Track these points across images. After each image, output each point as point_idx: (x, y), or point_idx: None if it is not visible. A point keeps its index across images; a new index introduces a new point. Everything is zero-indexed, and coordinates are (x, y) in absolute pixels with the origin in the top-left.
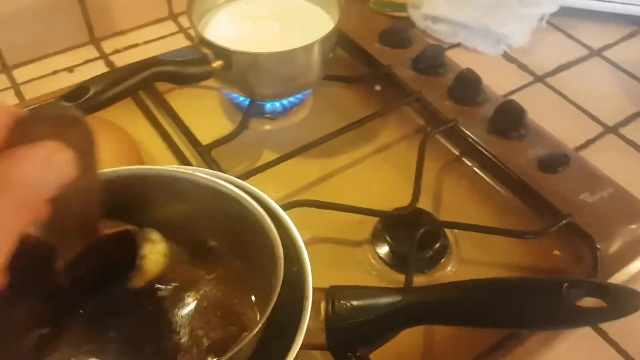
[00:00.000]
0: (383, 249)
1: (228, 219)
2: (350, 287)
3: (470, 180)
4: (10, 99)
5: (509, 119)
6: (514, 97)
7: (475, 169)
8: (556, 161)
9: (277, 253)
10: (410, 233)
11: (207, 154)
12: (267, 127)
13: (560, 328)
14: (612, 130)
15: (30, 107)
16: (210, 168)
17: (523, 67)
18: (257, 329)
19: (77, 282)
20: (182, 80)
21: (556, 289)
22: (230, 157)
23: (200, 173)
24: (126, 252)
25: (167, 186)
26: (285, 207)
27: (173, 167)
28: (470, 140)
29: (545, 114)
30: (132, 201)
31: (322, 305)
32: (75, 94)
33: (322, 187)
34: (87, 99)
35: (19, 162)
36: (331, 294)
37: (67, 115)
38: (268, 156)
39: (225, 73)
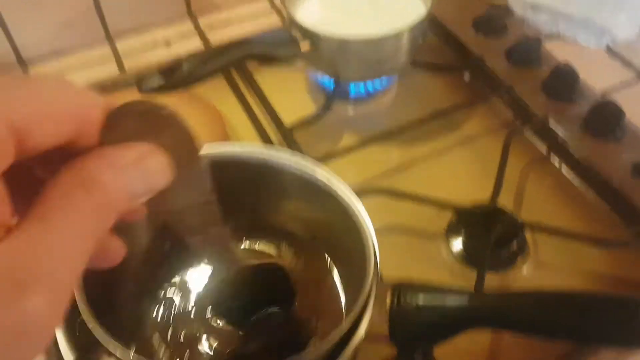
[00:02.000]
0: (457, 245)
1: (315, 207)
2: (417, 286)
3: (556, 180)
4: (112, 69)
5: (605, 120)
6: (613, 95)
7: (562, 169)
8: None
9: (368, 249)
10: (487, 230)
11: (289, 136)
12: (350, 111)
13: (636, 348)
14: None
15: (122, 102)
16: (292, 148)
17: (627, 64)
18: (344, 325)
19: None
20: (271, 60)
21: (635, 308)
22: (312, 139)
23: (289, 160)
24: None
25: (254, 171)
26: (361, 194)
27: (262, 149)
28: (560, 138)
29: None
30: (229, 176)
31: (388, 298)
32: (170, 69)
33: (400, 176)
34: (180, 76)
35: (108, 164)
36: (397, 289)
37: (162, 114)
38: (348, 140)
39: (313, 54)
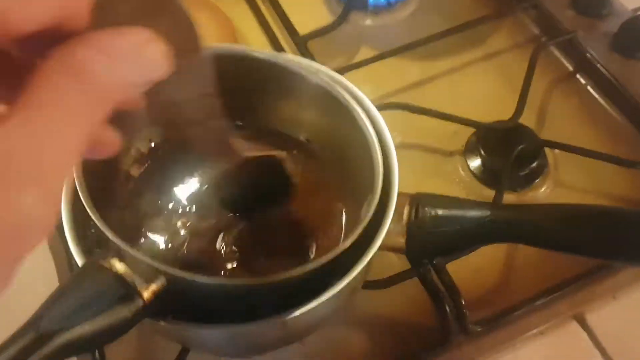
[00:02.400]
0: (475, 162)
1: (325, 116)
2: (437, 196)
3: (582, 99)
4: None
5: (635, 38)
6: None
7: (589, 87)
8: None
9: (375, 160)
10: (507, 148)
11: (303, 45)
12: (368, 21)
13: None
14: None
15: None
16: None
17: None
18: (352, 239)
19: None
20: None
21: None
22: (327, 50)
23: (299, 65)
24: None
25: (264, 72)
26: (379, 108)
27: (273, 53)
28: (588, 55)
29: None
30: (228, 82)
31: (406, 210)
32: None
33: (419, 91)
34: None
35: (100, 51)
36: (416, 200)
37: None
38: (366, 53)
39: None
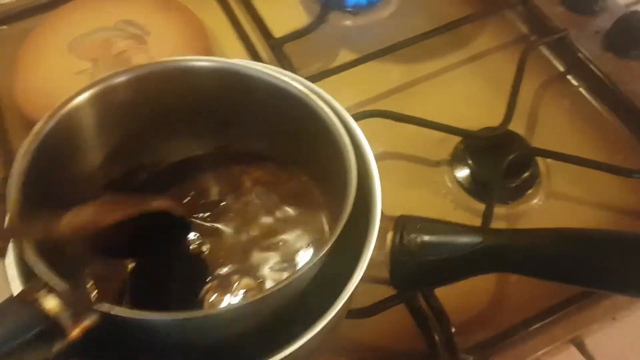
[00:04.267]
0: (463, 173)
1: (294, 125)
2: (424, 220)
3: (574, 102)
4: None
5: (629, 35)
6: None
7: (581, 89)
8: None
9: (349, 165)
10: (497, 158)
11: (278, 49)
12: (348, 22)
13: None
14: None
15: None
16: (281, 64)
17: None
18: (325, 250)
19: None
20: None
21: None
22: (305, 54)
23: (269, 70)
24: None
25: (229, 81)
26: (358, 117)
27: (239, 61)
28: (580, 55)
29: None
30: (189, 95)
31: (390, 235)
32: None
33: (402, 96)
34: None
35: None
36: (401, 223)
37: None
38: (345, 56)
39: None
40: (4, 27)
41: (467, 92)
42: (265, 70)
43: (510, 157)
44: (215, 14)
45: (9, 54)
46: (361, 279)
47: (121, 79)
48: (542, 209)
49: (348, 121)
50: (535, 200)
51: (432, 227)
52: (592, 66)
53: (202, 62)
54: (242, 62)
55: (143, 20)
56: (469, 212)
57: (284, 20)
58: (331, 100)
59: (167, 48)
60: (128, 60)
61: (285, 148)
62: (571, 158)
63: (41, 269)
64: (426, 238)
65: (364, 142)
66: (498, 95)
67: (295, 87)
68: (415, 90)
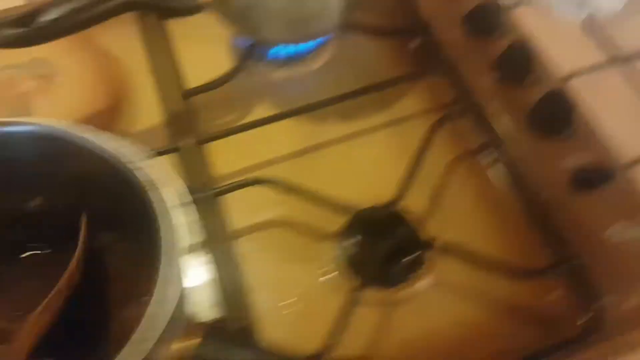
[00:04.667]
0: (347, 250)
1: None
2: (220, 334)
3: (481, 183)
4: None
5: (552, 113)
6: (577, 81)
7: (492, 171)
8: (596, 176)
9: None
10: (381, 239)
11: (186, 100)
12: (271, 75)
13: None
14: None
15: None
16: (188, 117)
17: (603, 44)
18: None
19: None
20: (160, 13)
21: None
22: (219, 106)
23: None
24: None
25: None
26: (243, 184)
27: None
28: (498, 131)
29: (609, 111)
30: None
31: (180, 346)
32: (27, 18)
33: (307, 158)
34: (41, 26)
35: None
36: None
37: None
38: (259, 111)
39: (223, 5)
40: None
41: (377, 158)
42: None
43: (393, 240)
44: (137, 58)
45: None
46: None
47: None
48: (422, 298)
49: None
50: (417, 287)
51: (225, 347)
52: (508, 145)
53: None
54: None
55: (56, 60)
56: (347, 291)
57: (207, 69)
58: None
59: (73, 92)
60: (27, 103)
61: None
62: (460, 252)
63: None
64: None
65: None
66: (403, 167)
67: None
68: (325, 152)
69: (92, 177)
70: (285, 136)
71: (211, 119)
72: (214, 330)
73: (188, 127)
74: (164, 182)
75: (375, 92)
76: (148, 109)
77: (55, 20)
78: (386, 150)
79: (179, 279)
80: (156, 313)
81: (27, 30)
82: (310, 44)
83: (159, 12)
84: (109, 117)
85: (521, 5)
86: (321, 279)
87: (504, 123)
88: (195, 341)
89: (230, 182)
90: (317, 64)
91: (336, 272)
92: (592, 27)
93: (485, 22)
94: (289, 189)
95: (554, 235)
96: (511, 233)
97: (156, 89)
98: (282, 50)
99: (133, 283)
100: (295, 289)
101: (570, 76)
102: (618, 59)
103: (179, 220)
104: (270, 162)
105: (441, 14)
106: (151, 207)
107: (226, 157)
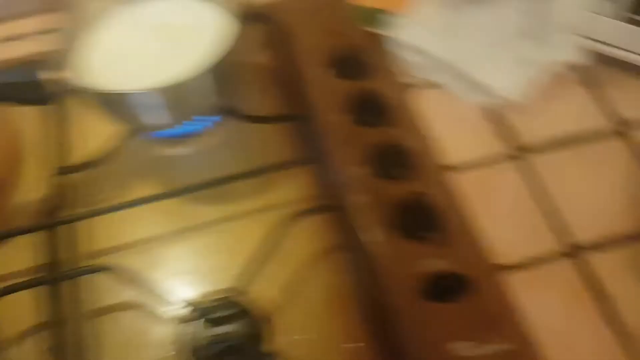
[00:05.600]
0: (184, 335)
1: None
2: None
3: (333, 282)
4: None
5: (417, 217)
6: (466, 173)
7: (339, 273)
8: (450, 286)
9: None
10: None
11: (64, 177)
12: (156, 153)
13: None
14: (573, 254)
15: None
16: (63, 194)
17: (501, 133)
18: None
19: None
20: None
21: None
22: (104, 181)
23: None
24: None
25: None
26: (90, 270)
27: None
28: (355, 230)
29: (492, 210)
30: None
31: None
32: None
33: (170, 242)
34: None
35: None
36: None
37: None
38: (144, 188)
39: (85, 99)
40: None
41: (238, 246)
42: None
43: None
44: (35, 130)
45: None
46: None
47: None
48: None
49: None
50: None
51: None
52: (364, 246)
53: None
54: None
55: None
56: None
57: (90, 148)
58: None
59: None
60: None
61: None
62: None
63: None
64: None
65: None
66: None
67: None
68: (189, 236)
69: None
70: (157, 217)
71: (90, 195)
72: None
73: (60, 204)
74: None
75: (250, 178)
76: (33, 184)
77: None
78: (251, 237)
79: None
80: None
81: None
82: (196, 124)
83: (15, 103)
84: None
85: (420, 88)
86: None
87: (367, 220)
88: None
89: (79, 267)
90: (204, 144)
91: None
92: (493, 116)
93: (368, 111)
94: (130, 278)
95: (394, 344)
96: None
97: (43, 164)
98: (167, 131)
99: None
100: None
101: (457, 167)
102: (515, 152)
103: None
104: (134, 244)
105: (328, 99)
106: None
107: (95, 236)
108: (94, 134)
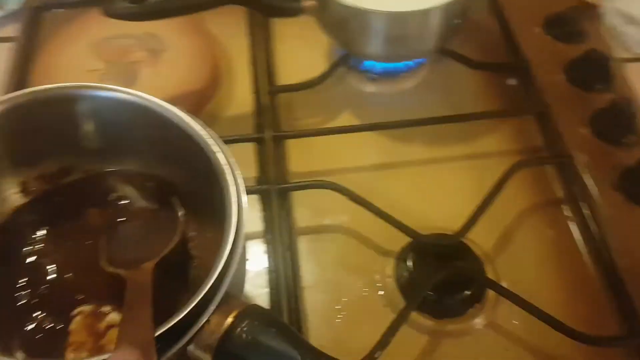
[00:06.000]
0: (404, 271)
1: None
2: (271, 319)
3: (558, 237)
4: None
5: None
6: None
7: (572, 226)
8: None
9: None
10: (440, 267)
11: (275, 95)
12: (360, 86)
13: None
14: None
15: None
16: (273, 112)
17: None
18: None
19: None
20: (264, 11)
21: None
22: (307, 107)
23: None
24: None
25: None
26: (315, 185)
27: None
28: (584, 188)
29: None
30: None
31: (229, 320)
32: None
33: (381, 174)
34: (152, 4)
35: None
36: (247, 313)
37: None
38: (344, 119)
39: (322, 16)
40: (61, 10)
41: (449, 189)
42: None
43: (452, 271)
44: (239, 49)
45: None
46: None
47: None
48: (473, 337)
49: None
50: (467, 325)
51: (269, 330)
52: (592, 204)
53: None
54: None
55: (165, 37)
56: (394, 312)
57: (299, 69)
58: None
59: (176, 69)
60: (135, 71)
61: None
62: (524, 304)
63: None
64: (257, 338)
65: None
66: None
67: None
68: (397, 172)
69: (179, 149)
70: (363, 148)
71: (294, 118)
72: (255, 312)
73: (271, 121)
74: (236, 168)
75: (461, 122)
76: (238, 98)
77: (166, 0)
78: (461, 181)
79: (243, 259)
80: (216, 286)
81: (139, 6)
82: (405, 63)
83: (262, 10)
84: (202, 98)
85: (634, 62)
86: (374, 292)
87: (594, 180)
88: (235, 318)
89: (301, 180)
90: (407, 84)
91: (389, 289)
92: None
93: (589, 73)
94: (358, 199)
95: (628, 305)
96: (579, 293)
97: (249, 80)
98: (376, 65)
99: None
100: (346, 296)
101: None
102: None
103: (245, 206)
104: (343, 170)
105: (544, 58)
106: (225, 188)
107: (302, 156)
108: (301, 58)
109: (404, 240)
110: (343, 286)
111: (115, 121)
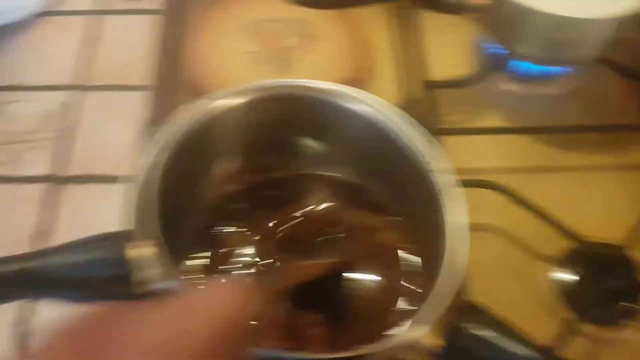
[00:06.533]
0: (564, 277)
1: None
2: (490, 316)
3: None
4: None
5: None
6: None
7: None
8: None
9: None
10: (603, 277)
11: (428, 90)
12: (510, 88)
13: None
14: None
15: None
16: (426, 106)
17: None
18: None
19: None
20: (434, 6)
21: None
22: (453, 104)
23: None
24: None
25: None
26: (475, 183)
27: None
28: None
29: None
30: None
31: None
32: None
33: (531, 178)
34: None
35: None
36: (467, 309)
37: None
38: (492, 119)
39: (485, 14)
40: None
41: (600, 199)
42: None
43: (615, 281)
44: (387, 42)
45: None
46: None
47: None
48: (633, 347)
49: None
50: (628, 335)
51: (495, 326)
52: None
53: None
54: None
55: (320, 26)
56: (554, 319)
57: (449, 66)
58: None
59: (329, 57)
60: (289, 57)
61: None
62: None
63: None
64: (487, 333)
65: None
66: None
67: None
68: (545, 177)
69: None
70: (513, 150)
71: (442, 114)
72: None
73: (423, 116)
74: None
75: (614, 132)
76: (385, 90)
77: None
78: (614, 192)
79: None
80: (442, 291)
81: None
82: (559, 68)
83: (432, 5)
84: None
85: None
86: (533, 297)
87: None
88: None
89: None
90: (559, 89)
91: (550, 295)
92: None
93: None
94: (518, 200)
95: None
96: None
97: (397, 74)
98: (530, 67)
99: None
100: (504, 300)
101: None
102: None
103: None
104: (496, 170)
105: None
106: (435, 185)
107: (454, 154)
108: (449, 55)
109: (557, 244)
110: (494, 292)
111: (338, 127)
